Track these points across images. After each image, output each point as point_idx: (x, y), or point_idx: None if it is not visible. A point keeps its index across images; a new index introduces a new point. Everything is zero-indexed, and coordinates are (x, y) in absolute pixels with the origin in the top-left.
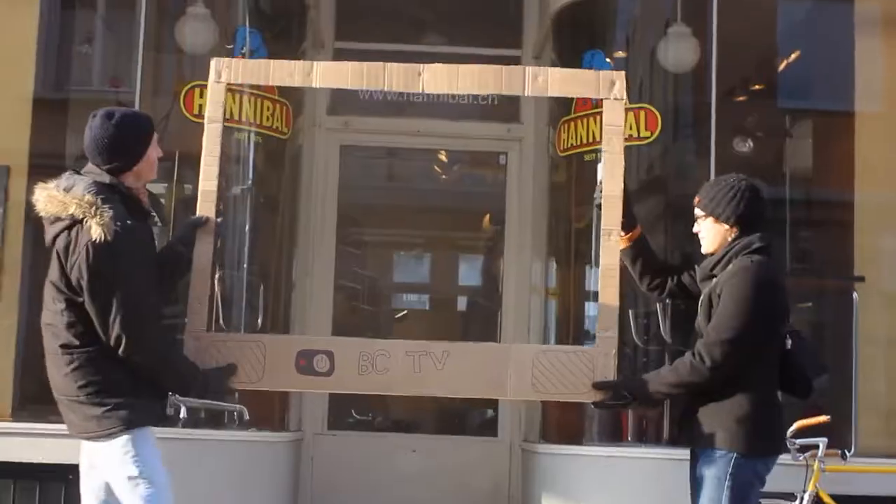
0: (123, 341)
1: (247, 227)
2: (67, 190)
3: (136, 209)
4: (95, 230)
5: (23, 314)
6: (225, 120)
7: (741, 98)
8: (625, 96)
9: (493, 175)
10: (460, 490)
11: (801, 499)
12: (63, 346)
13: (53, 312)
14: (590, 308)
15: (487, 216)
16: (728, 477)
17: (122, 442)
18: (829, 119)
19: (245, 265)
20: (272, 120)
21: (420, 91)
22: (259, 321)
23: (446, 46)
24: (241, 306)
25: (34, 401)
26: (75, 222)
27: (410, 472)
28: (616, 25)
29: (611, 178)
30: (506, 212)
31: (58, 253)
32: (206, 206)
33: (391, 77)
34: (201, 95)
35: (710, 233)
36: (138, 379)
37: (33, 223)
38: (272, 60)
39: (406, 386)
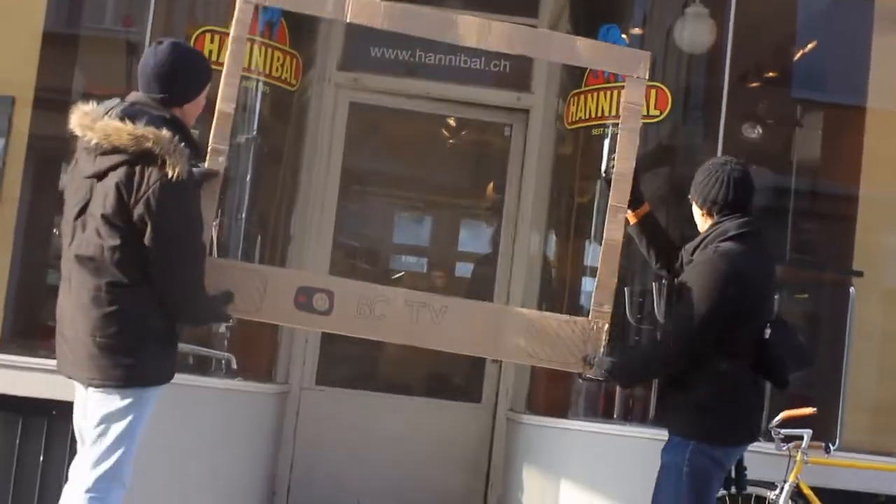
0: (180, 282)
1: (248, 177)
2: (132, 121)
3: (193, 148)
4: (175, 167)
5: (17, 248)
6: None
7: (754, 84)
8: (646, 76)
9: (500, 143)
10: (442, 453)
11: (782, 489)
12: (110, 284)
13: (99, 247)
14: (586, 283)
15: (490, 184)
16: (686, 462)
17: (134, 397)
18: (841, 112)
19: (244, 214)
20: (281, 71)
21: (450, 41)
22: None
23: (462, 10)
24: (238, 256)
25: (23, 335)
26: (141, 156)
27: (395, 433)
28: (634, 1)
29: (624, 157)
30: (507, 180)
31: (119, 187)
32: (221, 127)
33: (424, 23)
34: (212, 41)
35: (695, 216)
36: (169, 331)
37: (35, 157)
38: None
39: (401, 335)
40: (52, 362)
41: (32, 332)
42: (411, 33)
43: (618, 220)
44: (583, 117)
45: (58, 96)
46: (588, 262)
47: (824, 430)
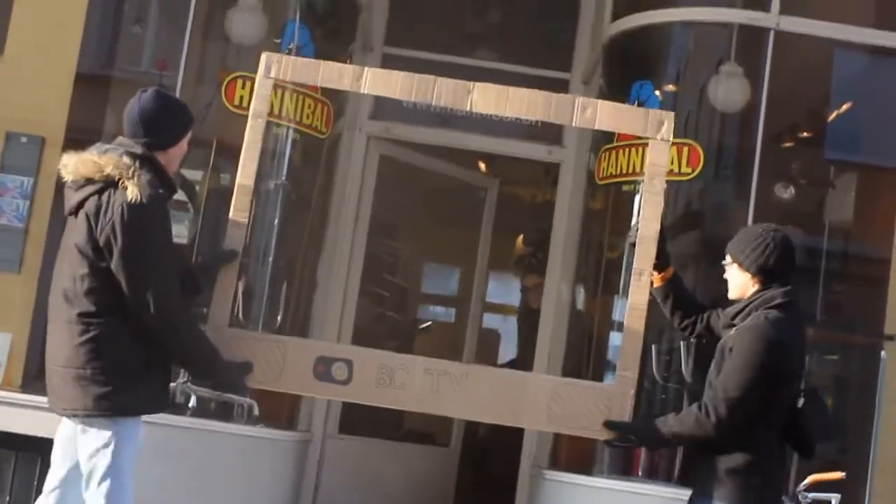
0: (153, 307)
1: (276, 222)
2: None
3: (166, 184)
4: (132, 191)
5: (43, 285)
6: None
7: (787, 144)
8: (671, 138)
9: (531, 195)
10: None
11: None
12: (80, 315)
13: (72, 279)
14: (614, 338)
15: (521, 236)
16: None
17: (111, 429)
18: (875, 174)
19: (270, 260)
20: (312, 118)
21: (468, 110)
22: (279, 317)
23: (496, 63)
24: (263, 301)
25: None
26: (107, 186)
27: (418, 484)
28: (668, 58)
29: (648, 219)
30: (480, 240)
31: (87, 216)
32: (241, 201)
33: (440, 92)
34: (243, 87)
35: (736, 280)
36: (150, 361)
37: (63, 197)
38: (322, 61)
39: (421, 403)
40: None
41: None
42: (429, 102)
43: (642, 284)
44: (614, 173)
45: (88, 137)
46: (616, 316)
47: (853, 495)
